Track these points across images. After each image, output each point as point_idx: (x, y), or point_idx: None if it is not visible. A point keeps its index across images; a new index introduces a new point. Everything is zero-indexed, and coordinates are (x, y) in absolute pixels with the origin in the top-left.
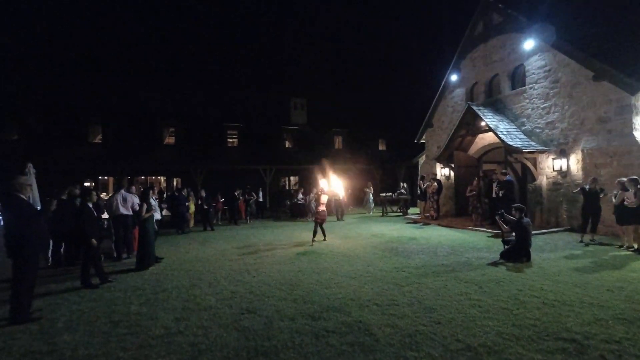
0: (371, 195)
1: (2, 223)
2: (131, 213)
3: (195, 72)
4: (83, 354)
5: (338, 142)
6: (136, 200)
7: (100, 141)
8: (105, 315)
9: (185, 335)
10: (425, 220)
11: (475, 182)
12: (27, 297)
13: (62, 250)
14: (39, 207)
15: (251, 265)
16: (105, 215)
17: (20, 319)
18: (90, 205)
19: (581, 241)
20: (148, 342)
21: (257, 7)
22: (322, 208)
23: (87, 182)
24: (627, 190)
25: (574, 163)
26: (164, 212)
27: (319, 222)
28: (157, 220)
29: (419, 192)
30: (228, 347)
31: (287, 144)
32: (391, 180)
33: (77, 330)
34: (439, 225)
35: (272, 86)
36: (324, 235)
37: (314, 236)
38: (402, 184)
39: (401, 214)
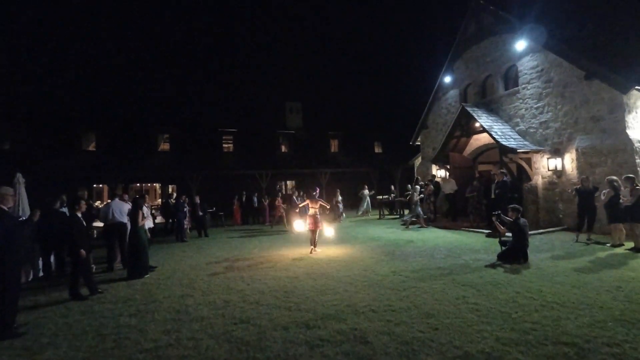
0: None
1: None
2: (125, 221)
3: (190, 78)
4: None
5: (334, 145)
6: (126, 208)
7: (94, 149)
8: (92, 329)
9: (175, 347)
10: (421, 223)
11: (475, 183)
12: (11, 312)
13: (52, 261)
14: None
15: (246, 272)
16: (96, 224)
17: (4, 334)
18: (80, 215)
19: (576, 240)
20: (135, 357)
21: (250, 11)
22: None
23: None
24: (616, 188)
25: (569, 162)
26: (157, 219)
27: (313, 230)
28: (149, 229)
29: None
30: None
31: (283, 148)
32: (388, 182)
33: (61, 346)
34: (435, 227)
35: (266, 90)
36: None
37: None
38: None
39: (398, 217)
